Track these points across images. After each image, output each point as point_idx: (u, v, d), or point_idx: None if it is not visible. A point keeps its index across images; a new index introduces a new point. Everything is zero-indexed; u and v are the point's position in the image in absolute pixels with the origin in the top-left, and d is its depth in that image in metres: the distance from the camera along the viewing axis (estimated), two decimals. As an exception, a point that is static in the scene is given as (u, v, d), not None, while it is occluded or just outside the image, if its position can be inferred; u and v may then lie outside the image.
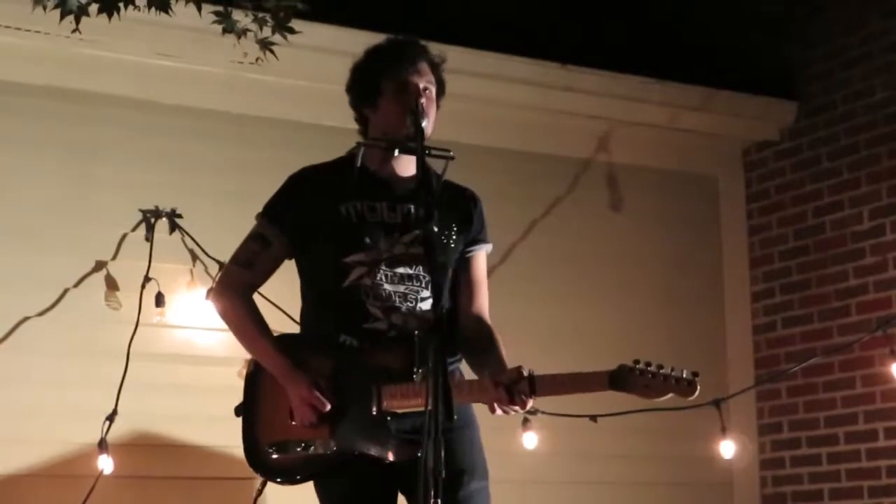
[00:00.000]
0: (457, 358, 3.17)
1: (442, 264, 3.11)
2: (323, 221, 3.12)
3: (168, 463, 4.68)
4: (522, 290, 5.37)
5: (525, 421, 4.97)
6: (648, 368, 2.90)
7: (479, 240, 3.27)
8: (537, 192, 5.58)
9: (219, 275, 3.19)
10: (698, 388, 2.89)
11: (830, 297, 5.66)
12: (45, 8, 3.26)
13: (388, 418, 2.99)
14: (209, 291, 3.19)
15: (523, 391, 2.91)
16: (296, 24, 3.48)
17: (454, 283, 3.20)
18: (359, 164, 3.10)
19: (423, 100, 3.08)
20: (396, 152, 3.03)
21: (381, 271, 3.09)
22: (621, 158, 5.81)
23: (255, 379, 3.17)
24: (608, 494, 5.44)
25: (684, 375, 2.90)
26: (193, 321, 4.76)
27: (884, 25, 5.58)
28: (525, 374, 2.93)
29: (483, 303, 3.25)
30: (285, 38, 3.47)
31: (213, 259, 4.69)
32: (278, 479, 3.14)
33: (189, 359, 4.77)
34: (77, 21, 3.27)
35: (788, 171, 5.93)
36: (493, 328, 3.20)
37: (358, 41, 4.72)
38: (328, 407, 3.02)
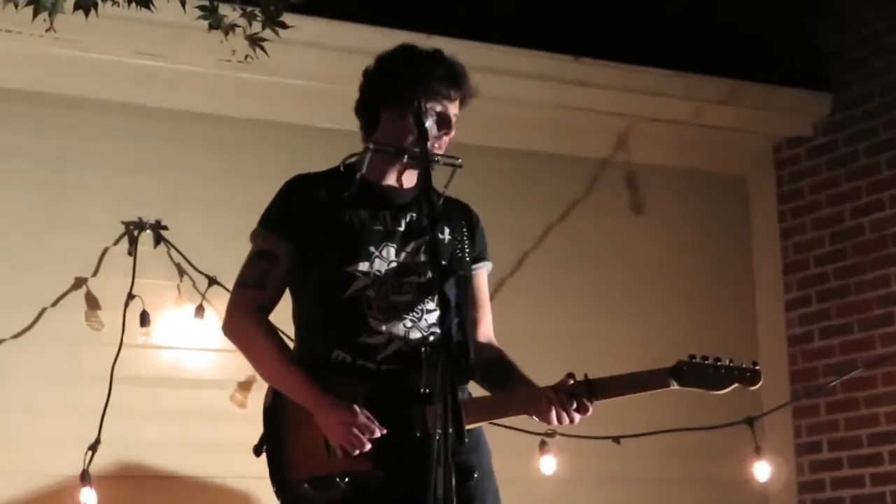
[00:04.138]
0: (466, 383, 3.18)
1: (463, 278, 3.17)
2: (325, 228, 3.13)
3: (156, 495, 4.69)
4: (538, 301, 5.41)
5: (542, 444, 5.03)
6: (708, 362, 3.03)
7: (481, 257, 3.31)
8: (552, 196, 5.60)
9: (228, 305, 3.22)
10: (762, 378, 3.01)
11: (871, 304, 5.66)
12: (16, 5, 3.26)
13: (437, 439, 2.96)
14: (223, 324, 3.21)
15: (583, 395, 2.99)
16: (287, 18, 3.49)
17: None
18: (364, 169, 3.12)
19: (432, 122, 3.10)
20: (406, 158, 3.09)
21: (387, 281, 3.09)
22: (642, 158, 5.82)
23: (275, 411, 3.11)
24: (633, 521, 5.48)
25: (745, 365, 3.03)
26: (181, 341, 4.80)
27: (920, 9, 5.66)
28: (581, 378, 3.02)
29: (489, 324, 3.30)
30: (276, 33, 3.49)
31: (202, 273, 4.78)
32: None
33: (177, 382, 4.79)
34: (51, 19, 3.26)
35: (823, 168, 5.94)
36: (503, 349, 3.26)
37: (354, 35, 4.87)
38: (378, 432, 2.97)
